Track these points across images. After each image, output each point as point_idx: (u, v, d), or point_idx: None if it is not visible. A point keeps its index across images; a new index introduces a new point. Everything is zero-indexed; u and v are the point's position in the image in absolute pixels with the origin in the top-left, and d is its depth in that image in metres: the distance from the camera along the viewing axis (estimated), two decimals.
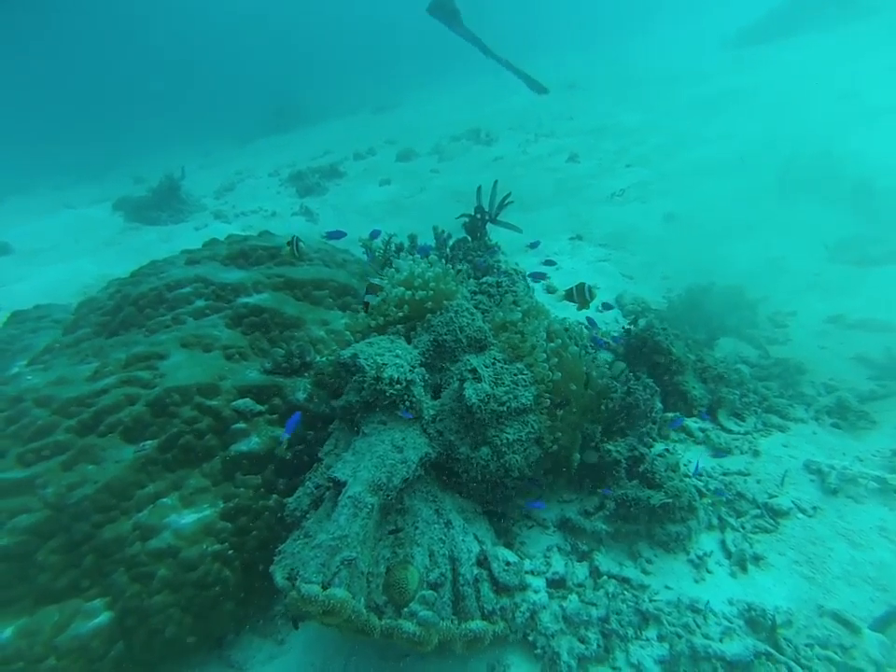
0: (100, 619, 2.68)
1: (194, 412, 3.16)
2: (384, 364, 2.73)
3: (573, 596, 2.78)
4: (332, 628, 2.36)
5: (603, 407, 3.32)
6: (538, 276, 4.92)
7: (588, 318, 4.29)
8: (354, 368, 2.74)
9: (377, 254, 4.70)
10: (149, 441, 3.06)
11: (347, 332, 3.43)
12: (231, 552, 2.90)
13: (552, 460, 3.05)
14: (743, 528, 3.05)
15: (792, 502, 3.17)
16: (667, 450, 3.43)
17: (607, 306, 5.27)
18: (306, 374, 3.55)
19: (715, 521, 3.10)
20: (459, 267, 3.74)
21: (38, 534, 2.76)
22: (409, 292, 3.03)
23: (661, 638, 2.53)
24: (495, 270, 5.34)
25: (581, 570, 2.91)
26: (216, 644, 2.89)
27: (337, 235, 3.69)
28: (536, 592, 2.77)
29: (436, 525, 2.70)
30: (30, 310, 4.50)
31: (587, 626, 2.62)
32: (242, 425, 3.19)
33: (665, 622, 2.57)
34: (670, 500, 2.89)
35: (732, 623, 2.56)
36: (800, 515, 3.11)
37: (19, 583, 2.69)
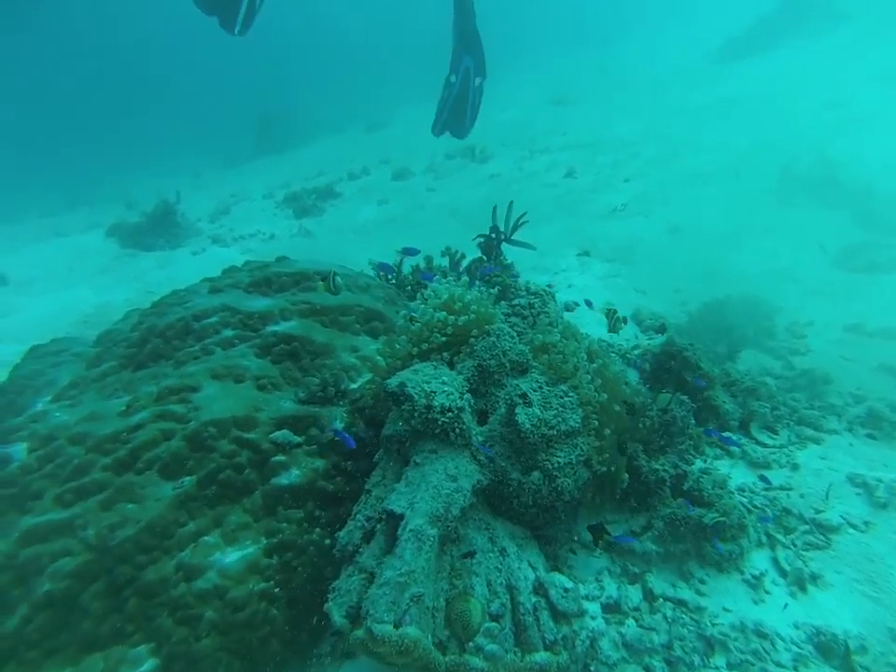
0: (145, 667, 2.58)
1: (232, 445, 3.09)
2: (432, 392, 2.70)
3: (630, 622, 2.73)
4: (387, 666, 2.30)
5: (641, 425, 3.31)
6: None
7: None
8: (402, 397, 2.71)
9: (408, 279, 4.68)
10: (188, 478, 2.99)
11: (379, 357, 3.39)
12: (276, 589, 2.82)
13: (597, 482, 3.03)
14: (794, 546, 3.03)
15: (841, 517, 3.15)
16: (707, 466, 3.42)
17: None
18: (341, 403, 3.50)
19: (764, 538, 3.08)
20: (490, 290, 3.72)
21: (81, 578, 2.67)
22: (452, 317, 3.01)
23: (731, 666, 2.48)
24: (513, 289, 5.35)
25: (634, 593, 2.87)
26: None
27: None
28: (593, 618, 2.73)
29: (491, 554, 2.65)
30: (48, 344, 4.42)
31: (650, 654, 2.57)
32: (281, 457, 3.13)
33: (732, 648, 2.53)
34: (723, 518, 2.86)
35: (801, 648, 2.52)
36: (851, 531, 3.09)
37: (63, 631, 2.60)
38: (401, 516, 2.46)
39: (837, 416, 4.00)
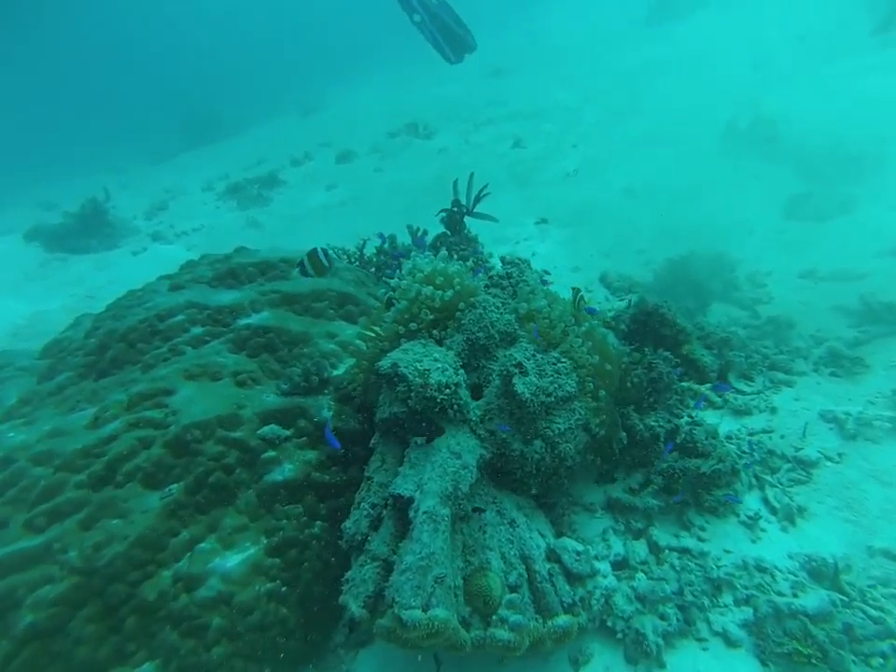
0: None
1: (219, 446, 2.93)
2: (426, 370, 2.62)
3: (640, 575, 2.79)
4: (411, 650, 2.26)
5: (629, 384, 3.35)
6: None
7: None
8: (396, 378, 2.62)
9: (373, 259, 4.54)
10: (175, 485, 2.82)
11: (359, 342, 3.28)
12: (284, 588, 2.72)
13: (595, 444, 3.05)
14: (781, 484, 3.16)
15: (819, 451, 3.32)
16: (691, 417, 3.51)
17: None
18: (325, 391, 3.38)
19: (753, 480, 3.20)
20: (465, 263, 3.65)
21: (68, 604, 2.48)
22: (439, 292, 2.93)
23: (738, 602, 2.58)
24: (482, 259, 5.30)
25: (640, 548, 2.93)
26: None
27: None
28: (604, 577, 2.76)
29: (501, 527, 2.64)
30: None
31: (663, 603, 2.63)
32: (272, 453, 3.00)
33: (737, 585, 2.63)
34: (719, 466, 2.95)
35: (797, 576, 2.65)
36: (828, 463, 3.26)
37: (55, 661, 2.42)
38: (411, 499, 2.40)
39: (804, 359, 4.19)
